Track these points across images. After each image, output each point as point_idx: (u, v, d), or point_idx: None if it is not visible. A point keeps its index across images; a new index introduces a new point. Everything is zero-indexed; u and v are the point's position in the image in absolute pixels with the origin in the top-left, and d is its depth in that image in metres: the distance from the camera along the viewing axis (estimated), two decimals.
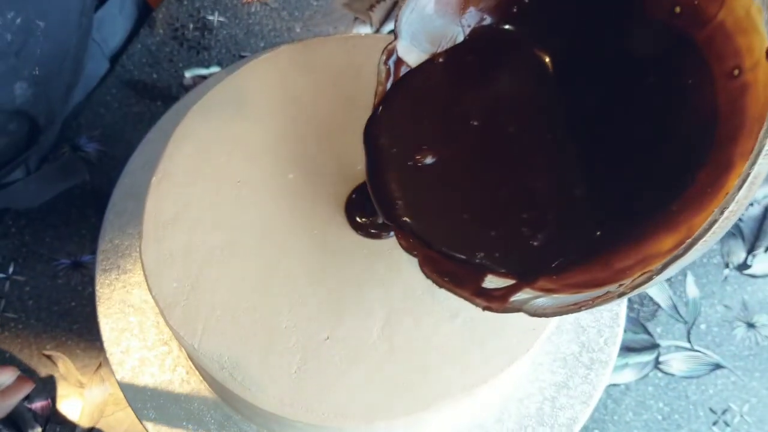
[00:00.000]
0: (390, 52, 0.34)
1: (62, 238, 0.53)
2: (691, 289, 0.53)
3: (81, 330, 0.50)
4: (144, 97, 0.58)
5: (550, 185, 0.33)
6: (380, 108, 0.34)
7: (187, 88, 0.58)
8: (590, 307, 0.27)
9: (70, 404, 0.49)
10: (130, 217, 0.45)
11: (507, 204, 0.33)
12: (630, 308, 0.52)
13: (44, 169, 0.51)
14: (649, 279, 0.25)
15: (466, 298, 0.30)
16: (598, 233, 0.31)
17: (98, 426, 0.48)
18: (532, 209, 0.33)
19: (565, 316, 0.42)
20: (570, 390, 0.41)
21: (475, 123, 0.35)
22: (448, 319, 0.36)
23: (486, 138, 0.35)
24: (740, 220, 0.55)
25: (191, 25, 0.61)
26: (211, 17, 0.61)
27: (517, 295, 0.30)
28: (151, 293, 0.36)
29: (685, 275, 0.53)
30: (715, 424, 0.49)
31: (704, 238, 0.24)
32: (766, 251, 0.54)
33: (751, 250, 0.54)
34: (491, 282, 0.31)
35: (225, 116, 0.41)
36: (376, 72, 0.34)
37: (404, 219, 0.33)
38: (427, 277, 0.32)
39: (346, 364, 0.34)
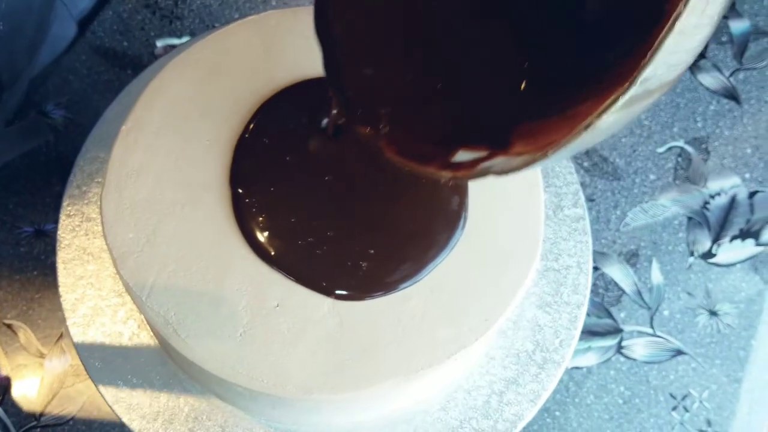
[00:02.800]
0: None
1: (26, 205, 0.52)
2: (656, 276, 0.53)
3: (42, 300, 0.49)
4: (114, 65, 0.57)
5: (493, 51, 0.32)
6: None
7: (158, 57, 0.57)
8: (558, 149, 0.25)
9: (30, 375, 0.48)
10: (100, 165, 0.45)
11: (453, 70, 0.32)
12: (595, 293, 0.52)
13: (7, 129, 0.50)
14: (615, 102, 0.24)
15: (431, 174, 0.29)
16: (557, 83, 0.29)
17: (58, 397, 0.47)
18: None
19: (522, 312, 0.42)
20: (519, 387, 0.41)
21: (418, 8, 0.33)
22: (400, 301, 0.36)
23: (429, 23, 0.33)
24: (707, 209, 0.55)
25: None
26: None
27: (488, 162, 0.28)
28: (106, 241, 0.36)
29: (650, 262, 0.53)
30: (674, 409, 0.50)
31: (665, 45, 0.22)
32: (731, 241, 0.55)
33: (716, 240, 0.54)
34: (463, 156, 0.29)
35: (203, 74, 0.40)
36: None
37: (371, 102, 0.32)
38: (391, 161, 0.30)
39: (292, 334, 0.34)
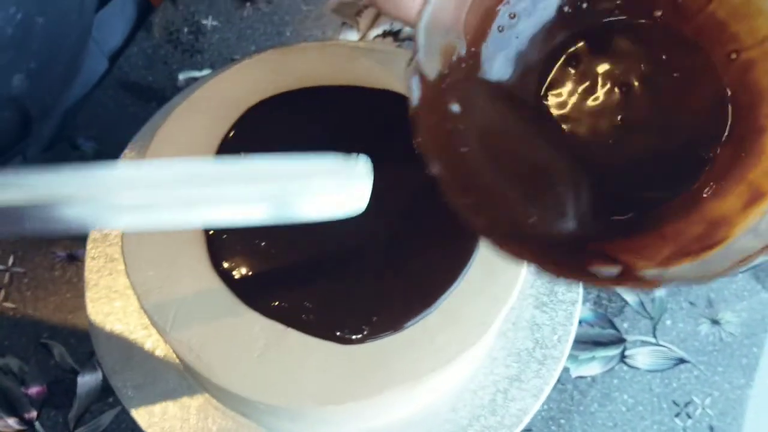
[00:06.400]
0: (415, 70, 0.33)
1: None
2: None
3: (75, 320, 0.53)
4: (140, 99, 0.60)
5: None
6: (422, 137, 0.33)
7: (180, 90, 0.60)
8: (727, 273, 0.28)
9: (64, 390, 0.51)
10: None
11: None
12: (599, 304, 0.54)
13: (33, 158, 0.54)
14: None
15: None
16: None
17: (90, 411, 0.51)
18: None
19: (521, 313, 0.45)
20: (522, 383, 0.43)
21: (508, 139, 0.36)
22: None
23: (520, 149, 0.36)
24: None
25: (186, 29, 0.63)
26: (205, 21, 0.64)
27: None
28: (129, 279, 0.39)
29: None
30: (677, 416, 0.51)
31: None
32: None
33: None
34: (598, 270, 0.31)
35: (207, 118, 0.43)
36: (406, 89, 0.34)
37: (494, 230, 0.33)
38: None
39: (305, 351, 0.37)
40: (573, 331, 0.44)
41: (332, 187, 0.34)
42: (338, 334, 0.37)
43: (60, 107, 0.56)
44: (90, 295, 0.46)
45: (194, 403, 0.43)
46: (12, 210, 0.29)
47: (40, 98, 0.51)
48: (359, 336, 0.37)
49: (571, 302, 0.45)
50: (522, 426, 0.42)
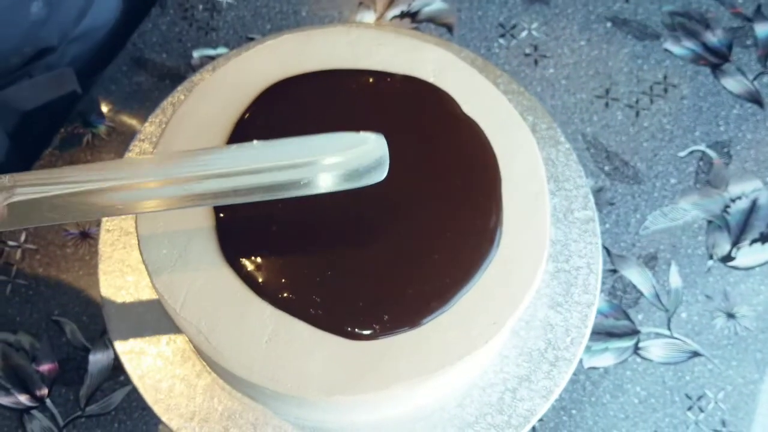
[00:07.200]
0: None
1: None
2: (674, 279, 0.54)
3: (87, 297, 0.53)
4: (153, 76, 0.60)
5: None
6: None
7: (194, 68, 0.60)
8: None
9: (76, 368, 0.51)
10: None
11: None
12: (613, 295, 0.53)
13: (37, 78, 0.54)
14: None
15: None
16: None
17: (101, 389, 0.51)
18: None
19: (535, 312, 0.44)
20: (531, 384, 0.42)
21: None
22: None
23: None
24: (727, 213, 0.56)
25: (201, 6, 0.62)
26: None
27: None
28: (142, 257, 0.39)
29: (669, 265, 0.54)
30: (689, 409, 0.51)
31: None
32: (751, 244, 0.55)
33: (735, 243, 0.55)
34: None
35: (226, 99, 0.43)
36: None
37: None
38: None
39: (314, 340, 0.37)
40: (587, 334, 0.43)
41: (347, 159, 0.35)
42: (348, 329, 0.37)
43: (73, 37, 0.56)
44: (103, 268, 0.46)
45: (201, 382, 0.43)
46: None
47: (59, 27, 0.51)
48: (369, 333, 0.37)
49: (587, 304, 0.44)
50: (529, 427, 0.41)
